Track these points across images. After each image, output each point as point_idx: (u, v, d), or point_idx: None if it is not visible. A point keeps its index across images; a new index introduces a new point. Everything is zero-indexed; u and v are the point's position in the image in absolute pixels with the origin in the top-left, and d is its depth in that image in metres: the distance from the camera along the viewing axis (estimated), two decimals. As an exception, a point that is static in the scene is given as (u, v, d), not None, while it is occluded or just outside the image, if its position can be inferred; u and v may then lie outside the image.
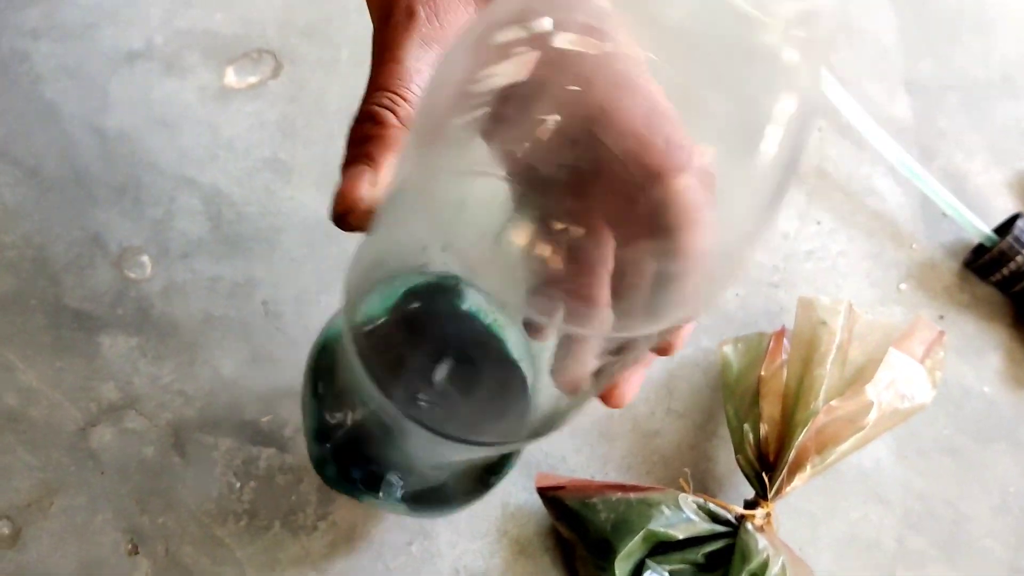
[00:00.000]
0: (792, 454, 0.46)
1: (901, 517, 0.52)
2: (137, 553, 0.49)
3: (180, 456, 0.50)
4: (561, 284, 0.20)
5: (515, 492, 0.51)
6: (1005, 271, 0.57)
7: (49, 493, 0.49)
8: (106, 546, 0.49)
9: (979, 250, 0.59)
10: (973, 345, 0.58)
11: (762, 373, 0.50)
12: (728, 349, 0.53)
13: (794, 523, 0.52)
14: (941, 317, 0.58)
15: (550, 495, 0.49)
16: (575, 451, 0.52)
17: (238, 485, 0.50)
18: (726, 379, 0.52)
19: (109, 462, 0.50)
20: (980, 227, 0.58)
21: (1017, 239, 0.56)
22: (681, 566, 0.47)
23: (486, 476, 0.42)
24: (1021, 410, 0.56)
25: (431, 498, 0.43)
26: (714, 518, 0.48)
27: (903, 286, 0.59)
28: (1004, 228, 0.58)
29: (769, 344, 0.51)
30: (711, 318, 0.57)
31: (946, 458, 0.54)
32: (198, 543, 0.49)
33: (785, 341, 0.51)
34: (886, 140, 0.58)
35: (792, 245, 0.60)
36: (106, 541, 0.49)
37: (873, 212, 0.61)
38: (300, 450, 0.51)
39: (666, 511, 0.47)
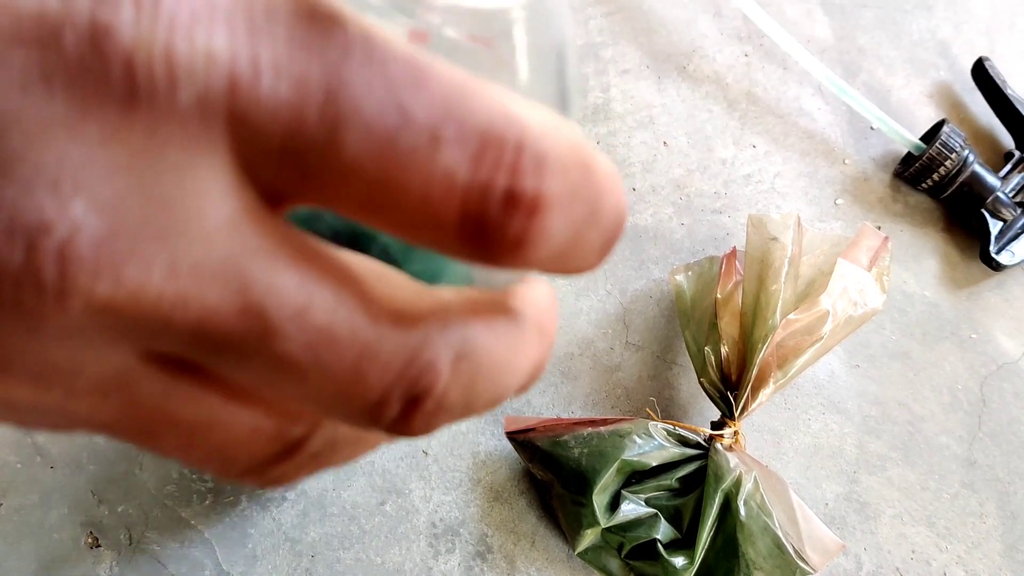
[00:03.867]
0: (754, 371, 0.47)
1: (859, 423, 0.54)
2: (99, 545, 0.47)
3: (134, 441, 0.48)
4: None
5: (484, 440, 0.50)
6: (935, 177, 0.58)
7: (-3, 494, 0.47)
8: (65, 542, 0.47)
9: (908, 159, 0.60)
10: (911, 252, 0.59)
11: (718, 295, 0.50)
12: (680, 277, 0.53)
13: (759, 440, 0.52)
14: (878, 227, 0.59)
15: (520, 438, 0.48)
16: (539, 393, 0.52)
17: (198, 464, 0.49)
18: (681, 306, 0.53)
19: (59, 455, 0.48)
20: (908, 136, 0.59)
21: (944, 144, 0.57)
22: (657, 493, 0.48)
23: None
24: (962, 310, 0.58)
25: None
26: (684, 442, 0.48)
27: (839, 201, 0.60)
28: (930, 136, 0.60)
29: (721, 267, 0.51)
30: (659, 249, 0.57)
31: (896, 363, 0.56)
32: (163, 527, 0.47)
33: (737, 262, 0.51)
34: (811, 60, 0.59)
35: (730, 170, 0.60)
36: (65, 537, 0.47)
37: (804, 132, 0.62)
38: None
39: (637, 440, 0.47)
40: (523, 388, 0.16)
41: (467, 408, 0.14)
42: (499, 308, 0.15)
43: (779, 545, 0.45)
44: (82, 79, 0.11)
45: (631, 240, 0.57)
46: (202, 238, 0.12)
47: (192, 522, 0.47)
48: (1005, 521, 0.52)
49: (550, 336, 0.16)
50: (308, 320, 0.12)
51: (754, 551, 0.45)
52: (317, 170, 0.12)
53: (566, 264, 0.14)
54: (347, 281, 0.13)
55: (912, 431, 0.54)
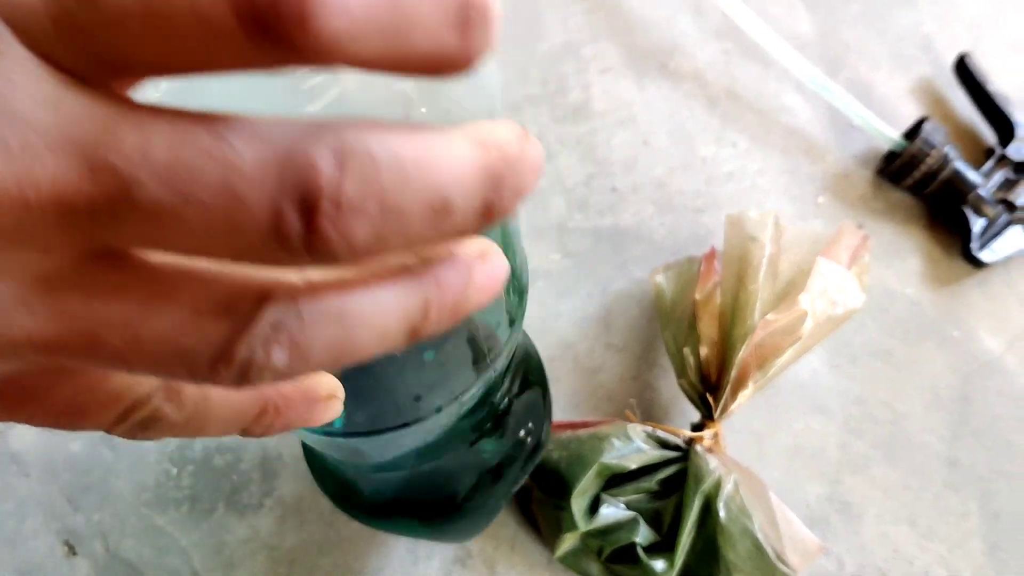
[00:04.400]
0: (734, 372, 0.47)
1: (842, 423, 0.54)
2: (75, 554, 0.46)
3: (109, 449, 0.48)
4: None
5: (463, 444, 0.50)
6: (916, 174, 0.58)
7: (-29, 503, 0.46)
8: (40, 551, 0.46)
9: (890, 157, 0.60)
10: (893, 250, 0.59)
11: (696, 296, 0.50)
12: (660, 278, 0.53)
13: (741, 442, 0.52)
14: (860, 226, 0.59)
15: (499, 442, 0.48)
16: (519, 396, 0.52)
17: (175, 471, 0.48)
18: (661, 307, 0.52)
19: (33, 463, 0.47)
20: (889, 134, 0.58)
21: (925, 141, 0.57)
22: (636, 496, 0.48)
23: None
24: (944, 308, 0.58)
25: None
26: (664, 444, 0.48)
27: (821, 199, 0.60)
28: (912, 133, 0.59)
29: (700, 267, 0.51)
30: (640, 249, 0.56)
31: (878, 362, 0.56)
32: (139, 535, 0.47)
33: (716, 262, 0.51)
34: (793, 56, 0.59)
35: (711, 169, 0.60)
36: (40, 546, 0.46)
37: (786, 129, 0.62)
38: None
39: (616, 443, 0.47)
40: (483, 202, 0.14)
41: (387, 208, 0.13)
42: (398, 124, 0.13)
43: (759, 548, 0.45)
44: None
45: (612, 240, 0.56)
46: (24, 118, 0.12)
47: (168, 530, 0.47)
48: (988, 520, 0.52)
49: (500, 145, 0.14)
50: (155, 157, 0.12)
51: (734, 554, 0.45)
52: (91, 29, 0.12)
53: (405, 44, 0.12)
54: (186, 116, 0.13)
55: (894, 430, 0.54)
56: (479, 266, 0.15)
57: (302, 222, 0.12)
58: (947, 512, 0.52)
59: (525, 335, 0.44)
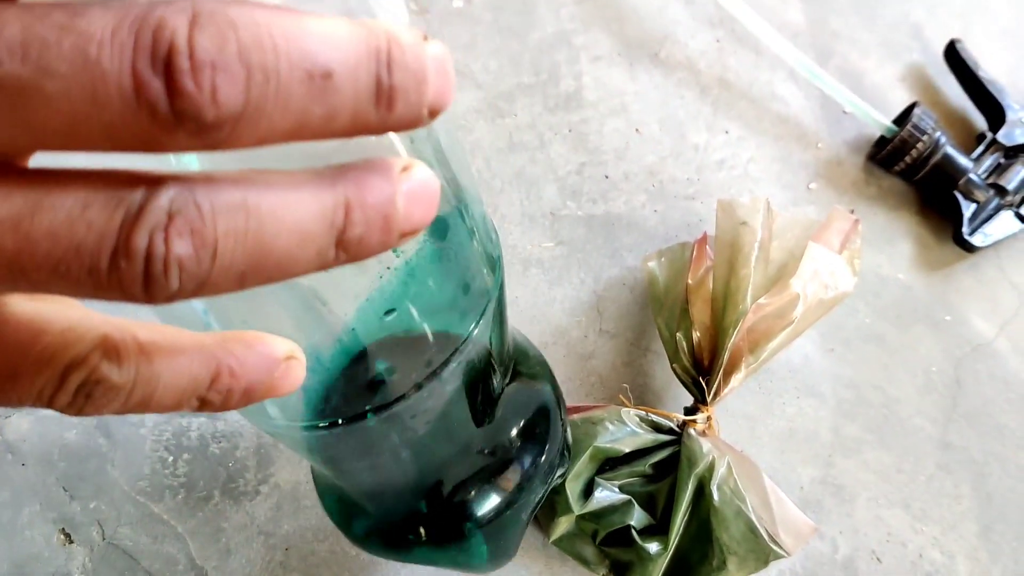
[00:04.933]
0: (726, 356, 0.47)
1: (834, 407, 0.54)
2: (72, 542, 0.46)
3: (105, 437, 0.48)
4: None
5: (457, 430, 0.50)
6: (908, 159, 0.58)
7: (-33, 493, 0.46)
8: (37, 540, 0.46)
9: (881, 142, 0.60)
10: (884, 235, 0.59)
11: (689, 281, 0.50)
12: (652, 264, 0.53)
13: (734, 425, 0.52)
14: (852, 211, 0.59)
15: (493, 427, 0.48)
16: (513, 382, 0.52)
17: (171, 459, 0.48)
18: (654, 293, 0.53)
19: (29, 452, 0.47)
20: (880, 120, 0.59)
21: (916, 127, 0.57)
22: (630, 479, 0.48)
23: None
24: (935, 292, 0.58)
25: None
26: (657, 428, 0.48)
27: (813, 185, 0.60)
28: (902, 118, 0.59)
29: (692, 253, 0.51)
30: (632, 236, 0.57)
31: (870, 346, 0.56)
32: (136, 523, 0.47)
33: (708, 247, 0.51)
34: (783, 45, 0.59)
35: (703, 156, 0.60)
36: (37, 535, 0.46)
37: (777, 116, 0.62)
38: (232, 415, 0.49)
39: (610, 427, 0.47)
40: (375, 76, 0.13)
41: (254, 68, 0.12)
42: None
43: (752, 529, 0.45)
44: None
45: (605, 228, 0.57)
46: None
47: (165, 517, 0.47)
48: (980, 502, 0.52)
49: (375, 25, 0.14)
50: (6, 33, 0.12)
51: (728, 536, 0.45)
52: None
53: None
54: (39, 4, 0.12)
55: (887, 414, 0.54)
56: (404, 175, 0.15)
57: (163, 82, 0.12)
58: (940, 494, 0.52)
59: (530, 344, 0.43)
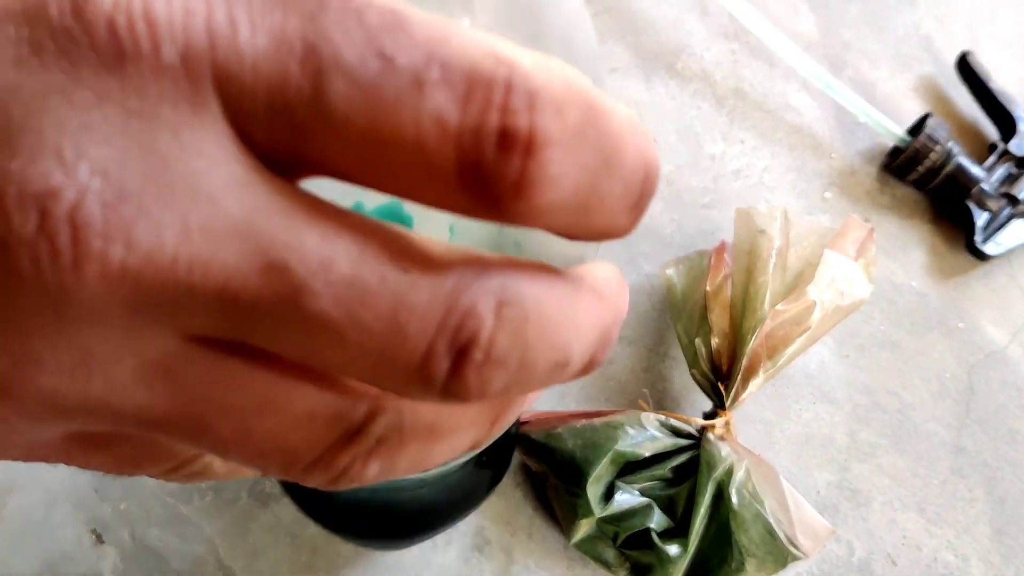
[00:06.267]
0: (745, 361, 0.48)
1: (849, 412, 0.55)
2: (103, 542, 0.47)
3: (135, 440, 0.49)
4: None
5: (480, 434, 0.51)
6: (921, 169, 0.59)
7: (2, 494, 0.47)
8: (69, 540, 0.47)
9: (895, 152, 0.61)
10: (898, 243, 0.60)
11: (707, 288, 0.51)
12: (671, 271, 0.54)
13: (751, 430, 0.53)
14: (866, 220, 0.60)
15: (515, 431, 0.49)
16: (534, 387, 0.53)
17: (199, 461, 0.49)
18: (672, 300, 0.53)
19: (61, 454, 0.48)
20: (894, 130, 0.60)
21: (929, 137, 0.58)
22: (650, 483, 0.49)
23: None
24: (949, 300, 0.59)
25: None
26: (677, 433, 0.49)
27: (827, 194, 0.61)
28: (916, 129, 0.60)
29: (711, 260, 0.52)
30: (650, 244, 0.58)
31: (885, 352, 0.57)
32: (165, 524, 0.48)
33: (726, 255, 0.52)
34: (798, 55, 0.60)
35: (719, 166, 0.61)
36: (68, 535, 0.47)
37: (792, 127, 0.63)
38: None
39: (630, 431, 0.48)
40: (591, 358, 0.15)
41: (524, 364, 0.13)
42: (544, 267, 0.14)
43: (771, 532, 0.46)
44: (70, 47, 0.11)
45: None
46: (210, 197, 0.11)
47: (193, 518, 0.48)
48: (994, 505, 0.53)
49: (615, 303, 0.15)
50: (335, 272, 0.12)
51: (747, 538, 0.46)
52: (306, 126, 0.12)
53: (589, 219, 0.13)
54: (370, 232, 0.12)
55: (901, 419, 0.55)
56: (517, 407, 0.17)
57: (450, 367, 0.12)
58: (954, 498, 0.53)
59: None
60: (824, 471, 0.53)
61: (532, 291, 0.13)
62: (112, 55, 0.11)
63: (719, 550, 0.47)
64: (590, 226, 0.13)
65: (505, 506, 0.50)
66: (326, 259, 0.12)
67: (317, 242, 0.12)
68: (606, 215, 0.13)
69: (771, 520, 0.46)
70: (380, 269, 0.12)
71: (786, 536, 0.46)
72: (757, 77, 0.64)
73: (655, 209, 0.59)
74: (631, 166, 0.13)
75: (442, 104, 0.11)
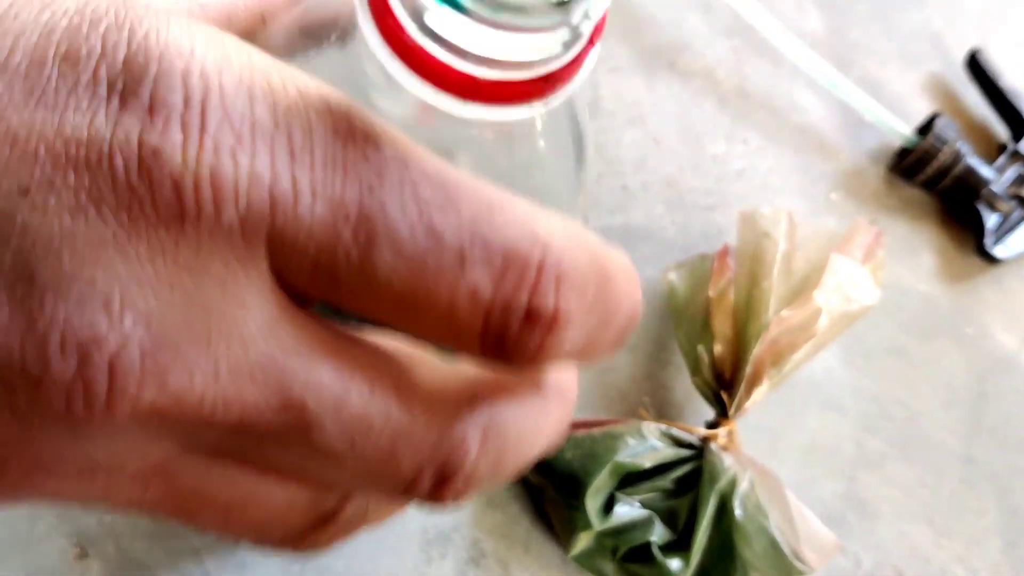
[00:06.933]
0: (748, 368, 0.46)
1: (857, 421, 0.53)
2: (87, 556, 0.46)
3: (120, 450, 0.48)
4: None
5: (476, 443, 0.50)
6: (929, 170, 0.58)
7: (-17, 506, 0.46)
8: (52, 554, 0.46)
9: (903, 153, 0.60)
10: (906, 246, 0.59)
11: (710, 293, 0.49)
12: (672, 276, 0.53)
13: (756, 439, 0.52)
14: (873, 222, 0.59)
15: (512, 441, 0.48)
16: (531, 395, 0.51)
17: (186, 472, 0.48)
18: (674, 305, 0.52)
19: (44, 465, 0.47)
20: (902, 130, 0.58)
21: (938, 137, 0.57)
22: (651, 494, 0.47)
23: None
24: (958, 305, 0.57)
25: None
26: (678, 443, 0.48)
27: (833, 196, 0.60)
28: (924, 129, 0.59)
29: (713, 264, 0.51)
30: (651, 248, 0.56)
31: (893, 359, 0.55)
32: (151, 537, 0.47)
33: (729, 259, 0.51)
34: (804, 53, 0.58)
35: (722, 167, 0.59)
36: (52, 548, 0.46)
37: (797, 126, 0.62)
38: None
39: (631, 441, 0.47)
40: (547, 449, 0.17)
41: (495, 477, 0.15)
42: (523, 380, 0.16)
43: (775, 545, 0.45)
44: (131, 201, 0.11)
45: (623, 239, 0.56)
46: (241, 341, 0.12)
47: (180, 532, 0.47)
48: (1004, 517, 0.52)
49: (571, 396, 0.17)
50: (346, 412, 0.13)
51: (751, 552, 0.45)
52: (348, 284, 0.13)
53: (580, 360, 0.15)
54: (379, 370, 0.14)
55: (910, 427, 0.54)
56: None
57: (432, 489, 0.14)
58: (964, 510, 0.52)
59: None
60: (830, 481, 0.52)
61: (513, 416, 0.15)
62: (173, 214, 0.12)
63: (722, 564, 0.46)
64: (580, 362, 0.16)
65: (502, 518, 0.48)
66: (340, 399, 0.13)
67: (333, 382, 0.13)
68: (595, 355, 0.16)
69: (776, 533, 0.45)
70: (387, 408, 0.14)
71: (791, 550, 0.45)
72: (761, 76, 0.63)
73: (656, 211, 0.57)
74: (624, 317, 0.16)
75: (479, 280, 0.13)
